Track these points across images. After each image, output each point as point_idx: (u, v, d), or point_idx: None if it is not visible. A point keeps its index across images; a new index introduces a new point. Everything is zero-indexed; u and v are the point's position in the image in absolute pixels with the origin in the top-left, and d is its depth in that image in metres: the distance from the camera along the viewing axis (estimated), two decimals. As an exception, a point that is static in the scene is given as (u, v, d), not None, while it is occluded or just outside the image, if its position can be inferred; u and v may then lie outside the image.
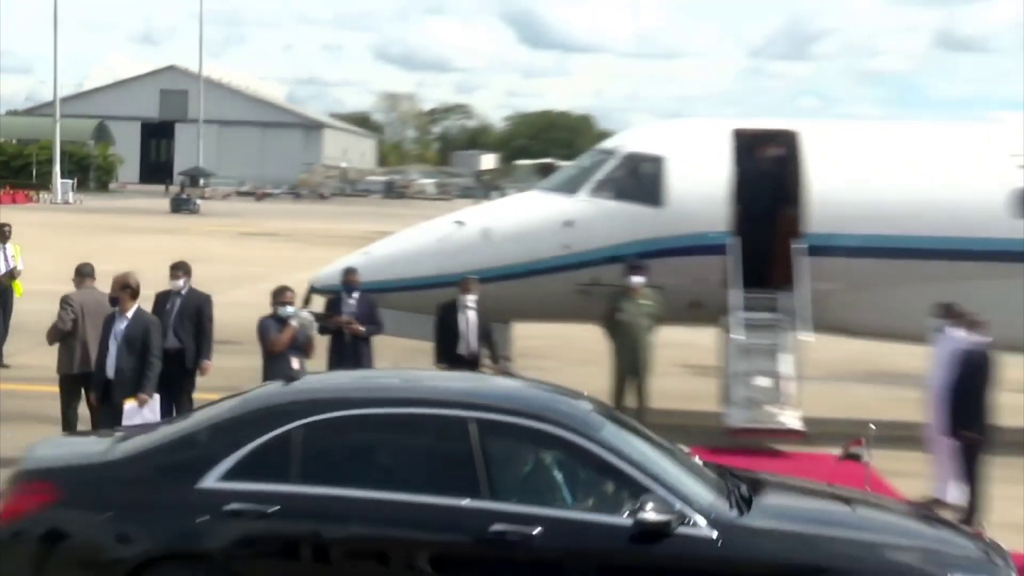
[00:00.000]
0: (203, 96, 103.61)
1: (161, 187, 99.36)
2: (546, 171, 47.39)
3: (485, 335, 15.05)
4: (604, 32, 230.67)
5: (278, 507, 7.59)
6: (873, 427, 8.76)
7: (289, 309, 12.98)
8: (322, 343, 14.25)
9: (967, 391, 12.83)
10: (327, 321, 14.71)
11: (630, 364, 15.81)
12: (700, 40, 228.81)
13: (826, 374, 18.01)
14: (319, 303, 15.28)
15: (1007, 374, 13.83)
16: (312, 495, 7.68)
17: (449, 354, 14.88)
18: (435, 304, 15.73)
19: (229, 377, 14.78)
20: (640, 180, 17.21)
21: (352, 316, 14.70)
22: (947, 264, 16.55)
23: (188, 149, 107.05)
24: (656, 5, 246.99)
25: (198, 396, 13.43)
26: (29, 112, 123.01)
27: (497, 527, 7.45)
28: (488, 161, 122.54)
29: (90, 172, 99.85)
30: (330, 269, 17.30)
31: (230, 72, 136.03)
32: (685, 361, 19.31)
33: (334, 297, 15.18)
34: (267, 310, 13.14)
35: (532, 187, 21.24)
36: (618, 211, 16.97)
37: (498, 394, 8.87)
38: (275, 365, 12.70)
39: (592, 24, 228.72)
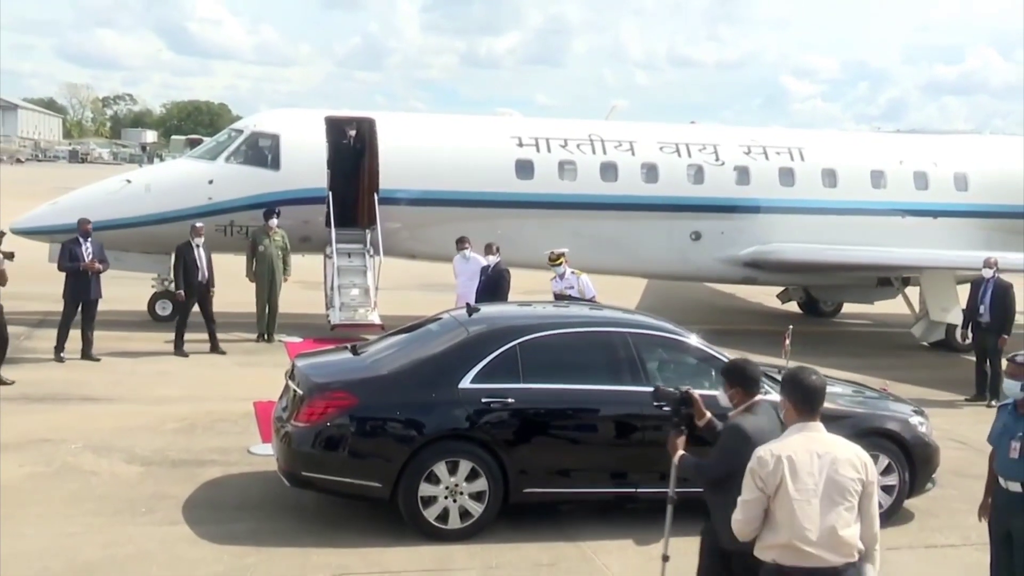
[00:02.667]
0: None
1: None
2: (193, 144, 45.09)
3: (210, 266, 14.68)
4: (233, 44, 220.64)
5: (512, 399, 7.78)
6: (792, 327, 8.83)
7: None
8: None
9: (491, 297, 13.24)
10: (80, 264, 13.38)
11: (268, 282, 15.52)
12: (302, 52, 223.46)
13: (396, 285, 18.16)
14: (12, 242, 13.50)
15: (519, 283, 14.40)
16: (534, 388, 7.89)
17: (188, 282, 14.37)
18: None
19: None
20: (262, 151, 16.86)
21: (91, 256, 13.52)
22: (475, 210, 17.04)
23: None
24: (272, 25, 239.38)
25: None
26: None
27: (657, 402, 7.84)
28: (150, 136, 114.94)
29: None
30: (27, 215, 16.04)
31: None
32: (301, 279, 18.86)
33: (72, 240, 13.63)
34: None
35: (183, 156, 20.23)
36: (247, 173, 16.54)
37: (634, 317, 9.33)
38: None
39: (225, 38, 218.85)
